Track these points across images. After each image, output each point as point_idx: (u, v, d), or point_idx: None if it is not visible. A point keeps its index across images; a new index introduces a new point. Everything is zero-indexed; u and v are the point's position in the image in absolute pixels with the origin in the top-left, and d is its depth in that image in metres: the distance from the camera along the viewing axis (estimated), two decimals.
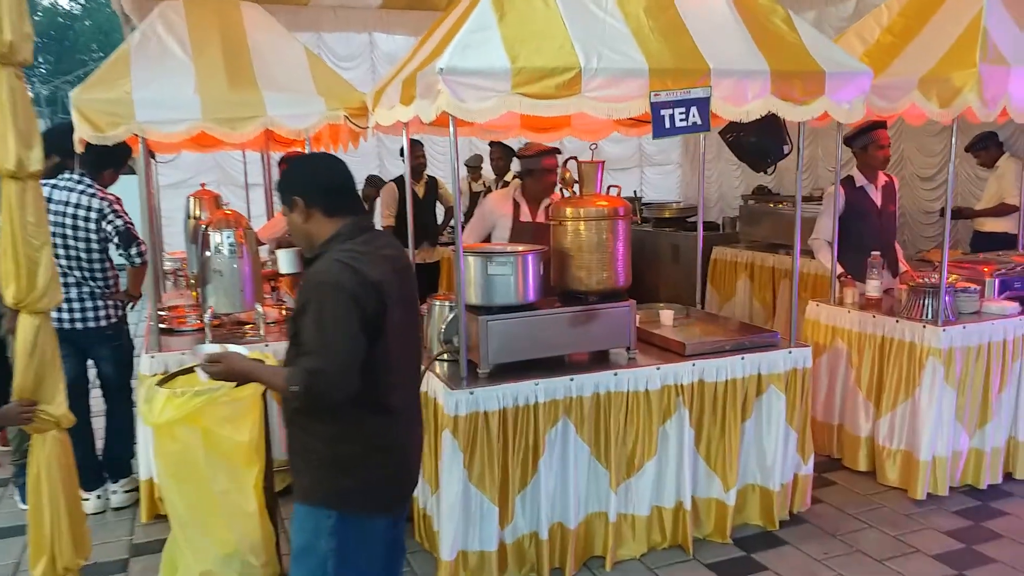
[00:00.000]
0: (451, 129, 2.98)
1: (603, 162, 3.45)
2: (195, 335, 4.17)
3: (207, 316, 3.98)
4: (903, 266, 4.92)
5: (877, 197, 4.77)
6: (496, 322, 3.18)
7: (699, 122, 3.02)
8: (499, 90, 2.83)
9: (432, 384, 3.26)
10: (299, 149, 5.15)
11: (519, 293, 3.21)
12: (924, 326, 3.93)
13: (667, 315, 4.15)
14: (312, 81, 4.01)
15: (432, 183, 6.77)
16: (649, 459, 3.42)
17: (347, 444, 2.12)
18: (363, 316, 2.00)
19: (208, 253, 4.02)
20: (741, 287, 7.31)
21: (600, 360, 3.46)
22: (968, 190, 7.13)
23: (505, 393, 3.12)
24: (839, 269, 4.61)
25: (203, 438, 2.82)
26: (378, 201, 6.71)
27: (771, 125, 3.36)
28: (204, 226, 4.18)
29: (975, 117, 3.65)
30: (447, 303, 3.46)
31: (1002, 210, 6.27)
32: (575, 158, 3.48)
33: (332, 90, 3.99)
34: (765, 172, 3.72)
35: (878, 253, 4.41)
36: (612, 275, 3.40)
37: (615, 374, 3.31)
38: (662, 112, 2.99)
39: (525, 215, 4.30)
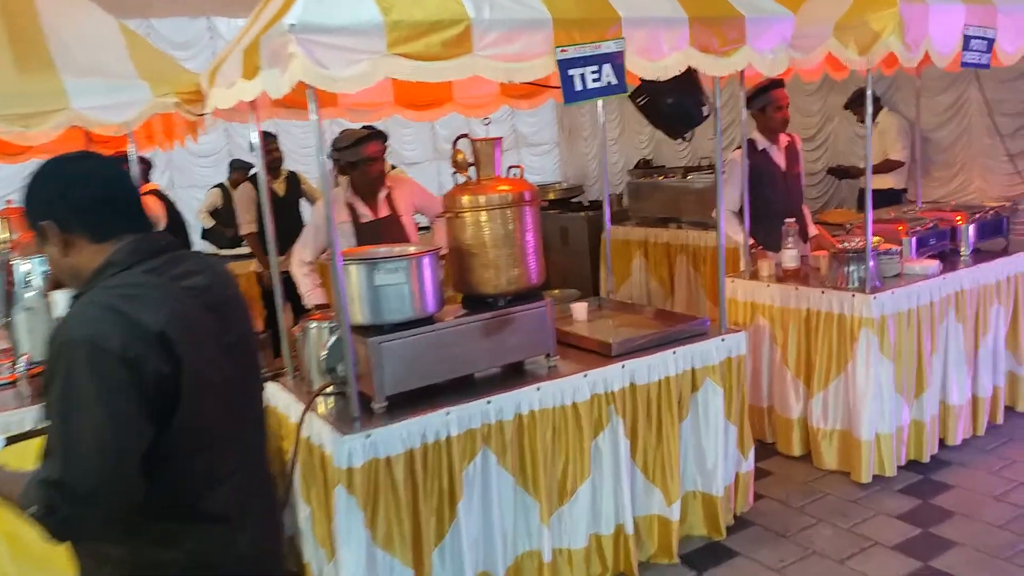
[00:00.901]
0: (311, 106, 2.33)
1: (500, 139, 2.90)
2: (8, 390, 3.31)
3: (21, 365, 3.16)
4: (813, 230, 4.68)
5: (780, 159, 4.49)
6: (391, 343, 2.58)
7: (615, 81, 2.53)
8: (371, 51, 2.21)
9: (316, 428, 2.62)
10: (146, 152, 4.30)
11: (416, 305, 2.62)
12: (853, 295, 3.64)
13: (580, 309, 3.67)
14: (131, 63, 3.22)
15: (293, 179, 6.01)
16: (582, 481, 2.93)
17: (151, 571, 1.46)
18: (141, 385, 1.33)
19: (15, 286, 3.20)
20: (636, 266, 6.99)
21: (516, 373, 2.93)
22: (849, 149, 7.10)
23: (410, 430, 2.53)
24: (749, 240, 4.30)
25: (8, 546, 2.07)
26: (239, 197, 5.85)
27: (688, 84, 2.92)
28: (7, 251, 3.34)
29: (890, 64, 3.37)
30: (326, 323, 2.82)
31: (887, 166, 6.21)
32: (466, 135, 2.91)
33: (158, 72, 3.22)
34: (683, 139, 3.29)
35: (793, 220, 4.11)
36: (524, 272, 2.86)
37: (538, 388, 2.78)
38: (571, 72, 2.47)
39: (365, 215, 3.72)
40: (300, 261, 3.77)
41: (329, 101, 3.43)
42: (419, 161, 10.58)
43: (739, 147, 4.29)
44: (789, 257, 4.08)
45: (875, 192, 6.48)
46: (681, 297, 6.54)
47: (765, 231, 4.39)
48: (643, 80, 2.92)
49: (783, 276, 4.09)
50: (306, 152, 8.65)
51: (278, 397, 3.03)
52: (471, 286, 2.86)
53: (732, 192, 4.41)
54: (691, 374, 3.15)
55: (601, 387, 2.92)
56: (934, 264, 3.87)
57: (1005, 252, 4.30)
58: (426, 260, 2.65)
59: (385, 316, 2.59)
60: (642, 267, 6.96)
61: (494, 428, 2.68)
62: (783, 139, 4.51)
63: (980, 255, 4.21)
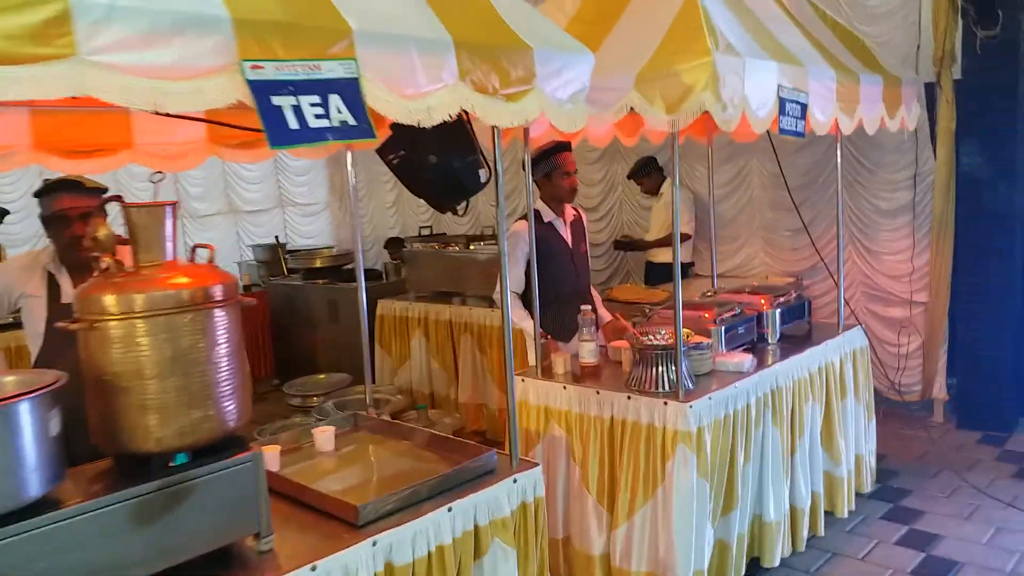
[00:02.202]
0: None
1: (174, 204, 1.88)
2: None
3: None
4: (605, 315, 4.07)
5: (567, 234, 3.86)
6: None
7: (352, 121, 1.63)
8: None
9: None
10: None
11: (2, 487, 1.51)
12: (665, 402, 2.98)
13: (324, 437, 2.69)
14: None
15: None
16: None
17: None
18: None
19: None
20: (416, 347, 6.09)
21: (205, 570, 1.86)
22: (633, 220, 6.77)
23: None
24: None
25: None
26: None
27: (458, 137, 2.10)
28: None
29: (699, 129, 2.80)
30: None
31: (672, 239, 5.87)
32: (118, 198, 1.87)
33: None
34: (455, 212, 2.47)
35: (589, 307, 3.43)
36: (214, 412, 1.83)
37: None
38: (275, 100, 1.54)
39: (67, 293, 2.59)
40: None
41: None
42: (265, 208, 9.16)
43: (522, 217, 3.59)
44: (587, 351, 3.39)
45: (662, 266, 6.18)
46: (467, 383, 5.73)
47: (553, 318, 3.72)
48: (396, 128, 2.05)
49: (580, 374, 3.38)
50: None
51: None
52: (119, 441, 1.77)
53: (515, 271, 3.72)
54: (474, 536, 2.26)
55: None
56: (748, 359, 3.34)
57: (809, 337, 3.93)
58: (23, 408, 1.54)
59: None
60: (423, 347, 6.08)
61: None
62: (569, 212, 3.89)
63: (787, 343, 3.79)
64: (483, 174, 2.23)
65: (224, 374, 1.87)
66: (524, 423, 3.42)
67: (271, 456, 2.51)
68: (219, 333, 1.86)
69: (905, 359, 5.21)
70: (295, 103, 1.55)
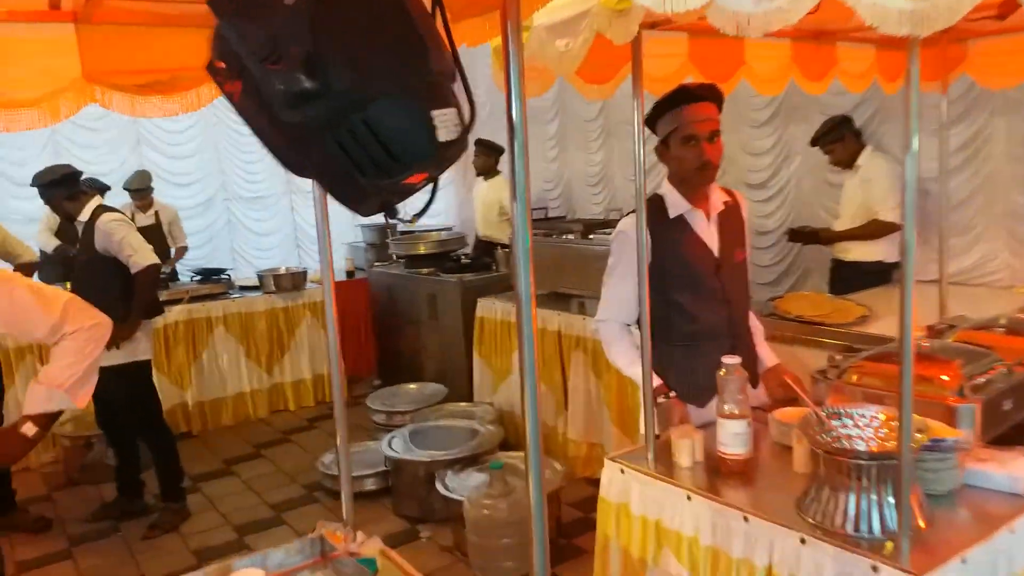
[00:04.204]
0: None
1: None
2: None
3: None
4: (769, 357, 2.63)
5: (711, 235, 2.44)
6: None
7: None
8: None
9: None
10: None
11: None
12: (874, 566, 1.56)
13: None
14: None
15: None
16: None
17: None
18: None
19: None
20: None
21: None
22: (816, 202, 5.13)
23: None
24: (655, 381, 2.26)
25: None
26: None
27: (386, 19, 0.82)
28: None
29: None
30: None
31: (873, 230, 4.25)
32: None
33: None
34: (392, 216, 1.21)
35: (738, 360, 2.03)
36: None
37: None
38: None
39: None
40: None
41: None
42: (265, 195, 8.43)
43: (634, 209, 2.23)
44: (731, 436, 2.01)
45: (855, 266, 4.52)
46: (577, 415, 4.46)
47: (681, 366, 2.38)
48: (218, 7, 0.80)
49: (720, 473, 2.02)
50: None
51: None
52: None
53: (622, 289, 2.42)
54: None
55: None
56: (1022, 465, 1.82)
57: None
58: None
59: None
60: None
61: None
62: (716, 198, 2.47)
63: None
64: (450, 122, 0.91)
65: None
66: (622, 540, 2.12)
67: None
68: None
69: None
70: None
